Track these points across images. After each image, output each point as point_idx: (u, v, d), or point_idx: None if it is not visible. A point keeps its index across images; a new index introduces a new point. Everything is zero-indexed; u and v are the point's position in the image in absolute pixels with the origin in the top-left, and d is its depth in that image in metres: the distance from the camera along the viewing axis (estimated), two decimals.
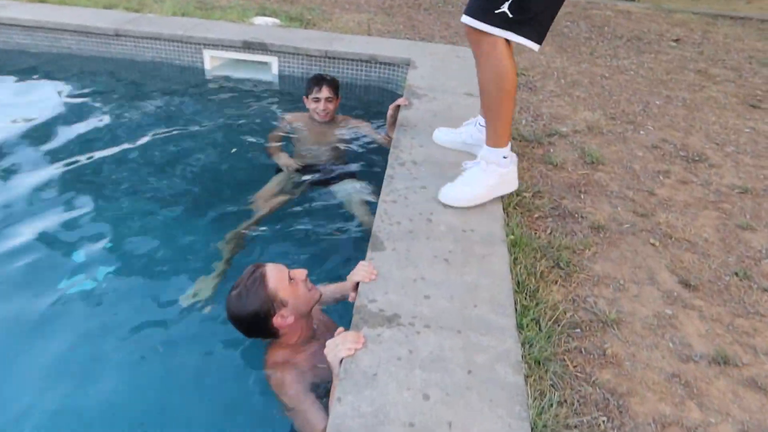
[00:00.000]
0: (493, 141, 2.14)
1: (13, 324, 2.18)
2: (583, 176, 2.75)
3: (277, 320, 1.73)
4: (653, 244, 2.25)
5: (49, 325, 2.19)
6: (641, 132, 3.33)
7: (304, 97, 3.29)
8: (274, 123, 3.46)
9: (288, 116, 3.38)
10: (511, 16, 1.86)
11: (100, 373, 2.00)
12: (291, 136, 3.29)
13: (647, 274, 2.07)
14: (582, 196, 2.57)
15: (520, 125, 3.26)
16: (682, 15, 6.56)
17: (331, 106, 3.23)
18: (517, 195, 2.45)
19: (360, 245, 2.49)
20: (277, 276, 1.75)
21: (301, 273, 1.80)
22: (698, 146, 3.19)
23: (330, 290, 2.06)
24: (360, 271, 1.84)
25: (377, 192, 2.94)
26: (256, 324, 1.75)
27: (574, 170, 2.80)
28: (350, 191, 2.98)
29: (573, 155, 2.96)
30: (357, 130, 3.41)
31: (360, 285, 1.80)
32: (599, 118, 3.46)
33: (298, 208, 2.94)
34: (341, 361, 1.58)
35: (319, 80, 3.20)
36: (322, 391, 1.73)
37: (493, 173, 2.18)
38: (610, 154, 3.00)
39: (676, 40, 5.38)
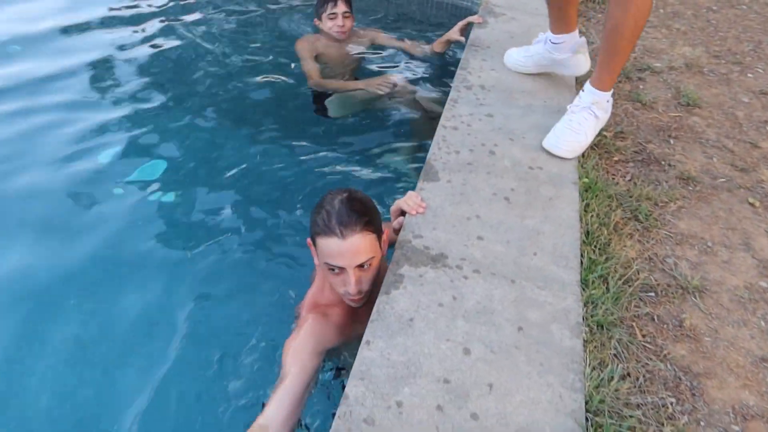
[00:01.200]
0: (606, 83, 1.88)
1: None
2: (675, 119, 2.40)
3: (310, 242, 1.47)
4: (752, 204, 1.93)
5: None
6: (749, 75, 2.88)
7: (315, 20, 3.03)
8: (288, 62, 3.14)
9: (300, 42, 3.06)
10: None
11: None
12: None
13: (742, 238, 1.77)
14: (672, 142, 2.24)
15: None
16: None
17: (348, 23, 2.98)
18: (596, 134, 2.15)
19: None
20: (328, 249, 1.36)
21: (346, 283, 1.39)
22: None
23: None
24: (408, 201, 1.63)
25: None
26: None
27: (666, 111, 2.45)
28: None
29: (666, 94, 2.59)
30: (374, 40, 3.21)
31: (406, 217, 1.61)
32: (700, 55, 3.03)
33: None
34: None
35: None
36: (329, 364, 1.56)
37: (601, 120, 1.94)
38: (709, 97, 2.61)
39: None
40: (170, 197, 2.30)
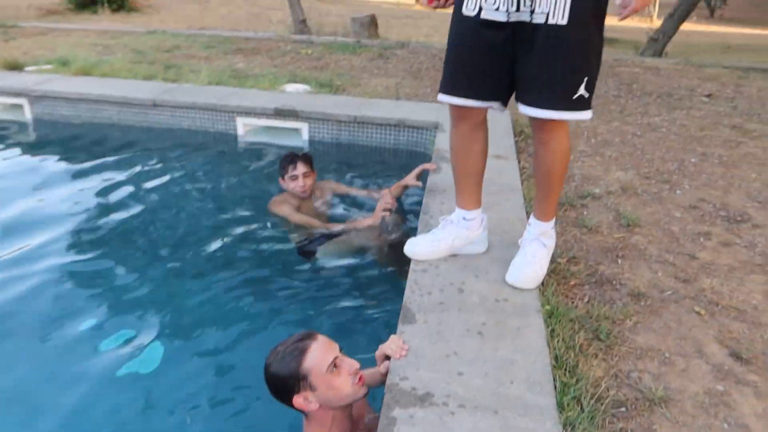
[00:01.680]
0: (548, 215, 2.13)
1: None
2: (620, 240, 2.67)
3: (297, 400, 1.61)
4: (698, 313, 2.14)
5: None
6: (677, 191, 3.24)
7: (279, 179, 3.28)
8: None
9: (275, 204, 3.28)
10: (586, 96, 1.82)
11: None
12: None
13: (694, 346, 1.95)
14: (619, 261, 2.48)
15: None
16: (713, 69, 6.52)
17: (309, 181, 3.23)
18: (552, 261, 2.37)
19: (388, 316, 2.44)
20: (318, 356, 1.61)
21: (350, 365, 1.65)
22: (739, 205, 3.09)
23: (369, 374, 1.85)
24: (391, 345, 1.78)
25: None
26: (277, 391, 1.65)
27: (610, 234, 2.73)
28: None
29: (607, 217, 2.89)
30: (335, 192, 3.51)
31: (391, 361, 1.74)
32: (633, 178, 3.40)
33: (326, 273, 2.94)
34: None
35: (292, 158, 3.22)
36: None
37: (549, 248, 2.17)
38: (646, 216, 2.92)
39: (709, 95, 5.32)
40: (155, 359, 2.37)
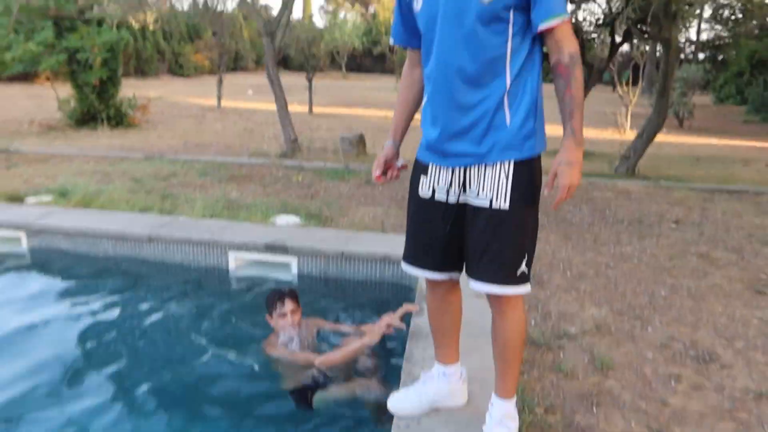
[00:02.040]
0: (511, 391, 2.16)
1: None
2: (595, 385, 2.79)
3: None
4: None
5: None
6: (649, 329, 3.41)
7: (267, 316, 3.36)
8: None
9: (270, 346, 3.32)
10: (527, 271, 1.98)
11: None
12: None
13: None
14: (594, 410, 2.59)
15: (530, 327, 3.37)
16: (680, 192, 6.93)
17: (297, 317, 3.32)
18: (530, 412, 2.48)
19: None
20: None
21: None
22: (707, 343, 3.25)
23: None
24: None
25: None
26: None
27: (585, 378, 2.85)
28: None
29: (583, 360, 3.02)
30: (321, 328, 3.57)
31: None
32: (606, 315, 3.57)
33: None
34: None
35: (280, 296, 3.31)
36: None
37: (516, 428, 2.18)
38: (620, 357, 3.06)
39: (676, 222, 5.64)
40: None
